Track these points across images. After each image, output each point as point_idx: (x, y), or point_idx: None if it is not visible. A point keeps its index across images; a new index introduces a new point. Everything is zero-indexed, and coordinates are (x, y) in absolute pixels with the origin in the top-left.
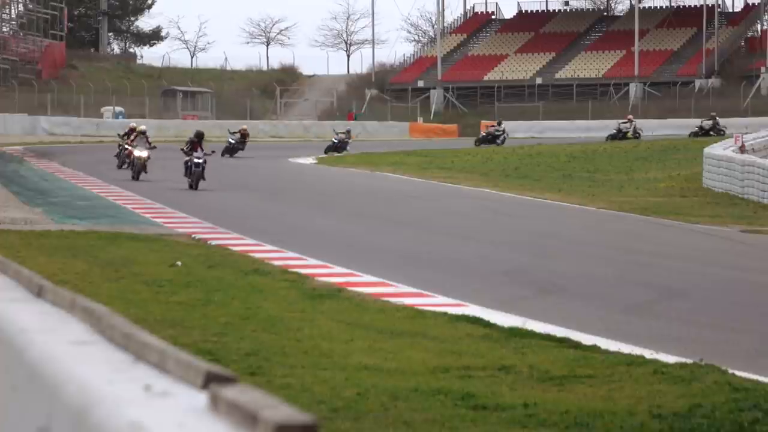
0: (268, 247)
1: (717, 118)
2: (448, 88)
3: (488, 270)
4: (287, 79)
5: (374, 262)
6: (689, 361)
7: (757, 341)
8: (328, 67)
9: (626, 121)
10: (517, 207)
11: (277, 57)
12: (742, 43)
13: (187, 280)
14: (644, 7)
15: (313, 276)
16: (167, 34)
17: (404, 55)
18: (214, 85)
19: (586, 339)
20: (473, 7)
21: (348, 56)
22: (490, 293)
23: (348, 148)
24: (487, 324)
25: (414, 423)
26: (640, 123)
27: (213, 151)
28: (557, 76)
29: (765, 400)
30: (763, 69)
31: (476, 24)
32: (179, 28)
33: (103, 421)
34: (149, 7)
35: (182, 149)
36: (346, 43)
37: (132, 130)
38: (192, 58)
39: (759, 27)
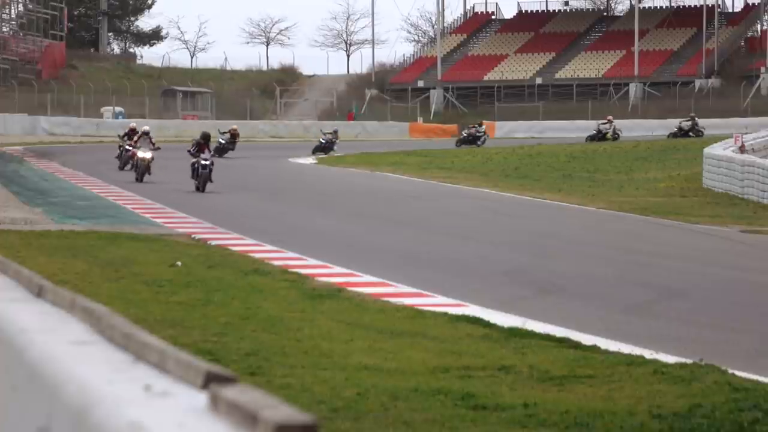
0: (268, 247)
1: (696, 118)
2: (448, 88)
3: (488, 270)
4: (287, 79)
5: (374, 262)
6: (689, 361)
7: (757, 341)
8: (328, 67)
9: (606, 121)
10: (516, 207)
11: (277, 57)
12: (742, 43)
13: (187, 280)
14: (644, 7)
15: (313, 276)
16: (167, 34)
17: (404, 55)
18: (214, 85)
19: (586, 339)
20: (473, 7)
21: (348, 56)
22: (489, 293)
23: (335, 148)
24: (487, 324)
25: (414, 423)
26: (641, 123)
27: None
28: (557, 76)
29: (765, 400)
30: (763, 69)
31: (476, 24)
32: (179, 28)
33: (103, 421)
34: (149, 7)
35: (189, 151)
36: (346, 43)
37: (132, 130)
38: (192, 58)
39: (759, 27)
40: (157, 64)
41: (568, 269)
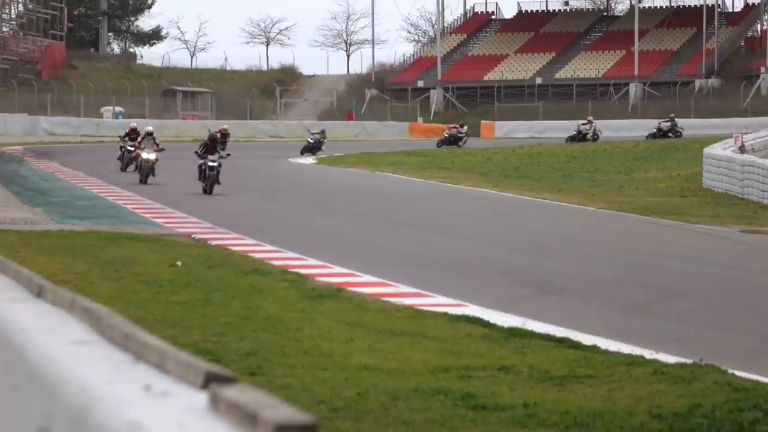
0: (268, 247)
1: (675, 119)
2: (448, 88)
3: (488, 270)
4: (287, 79)
5: (374, 262)
6: (689, 361)
7: (757, 341)
8: (328, 67)
9: (586, 122)
10: (516, 207)
11: (277, 57)
12: (742, 43)
13: (187, 280)
14: (644, 7)
15: (313, 276)
16: (167, 34)
17: (404, 55)
18: (214, 85)
19: (586, 339)
20: (473, 7)
21: (348, 56)
22: (489, 293)
23: (323, 148)
24: (487, 324)
25: (414, 423)
26: (640, 123)
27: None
28: (557, 76)
29: (765, 400)
30: (763, 69)
31: (476, 24)
32: (179, 28)
33: (103, 421)
34: (149, 7)
35: (196, 152)
36: (346, 43)
37: (133, 130)
38: (192, 58)
39: (759, 27)
40: (157, 64)
41: (568, 269)
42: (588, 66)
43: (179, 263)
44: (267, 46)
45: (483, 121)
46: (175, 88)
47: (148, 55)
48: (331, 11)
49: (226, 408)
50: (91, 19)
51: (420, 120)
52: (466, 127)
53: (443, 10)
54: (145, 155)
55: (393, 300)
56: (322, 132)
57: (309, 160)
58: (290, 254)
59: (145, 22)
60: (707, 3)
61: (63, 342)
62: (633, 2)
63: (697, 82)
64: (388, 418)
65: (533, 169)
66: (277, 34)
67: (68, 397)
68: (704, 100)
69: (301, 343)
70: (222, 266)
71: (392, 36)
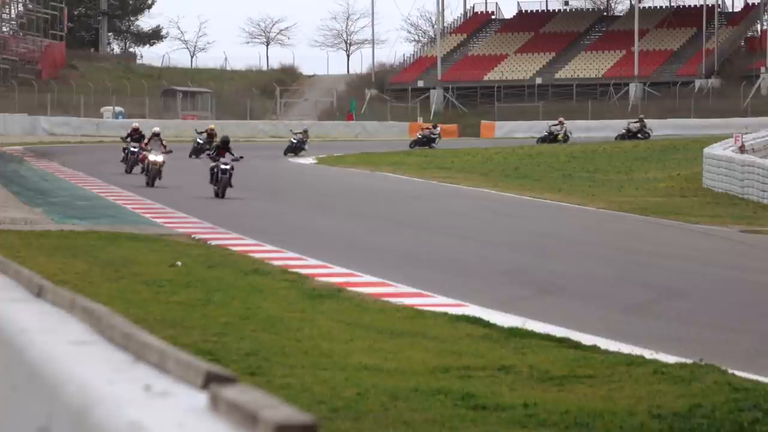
0: (268, 247)
1: (644, 120)
2: (448, 88)
3: (488, 270)
4: (287, 79)
5: (374, 262)
6: (689, 361)
7: (757, 341)
8: (328, 67)
9: (557, 123)
10: (516, 207)
11: (277, 57)
12: (742, 43)
13: (187, 280)
14: (644, 7)
15: (313, 276)
16: (167, 34)
17: (404, 55)
18: (214, 85)
19: (586, 339)
20: (473, 7)
21: (348, 56)
22: (489, 293)
23: (306, 147)
24: (487, 324)
25: (414, 423)
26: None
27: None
28: (557, 76)
29: (765, 400)
30: (763, 69)
31: (476, 24)
32: (179, 28)
33: (103, 421)
34: (149, 7)
35: (208, 154)
36: (346, 43)
37: (135, 130)
38: (192, 58)
39: (759, 27)
40: (157, 64)
41: (568, 269)
42: (588, 66)
43: (179, 263)
44: (267, 46)
45: (483, 121)
46: (175, 88)
47: (148, 55)
48: (331, 11)
49: (226, 408)
50: (91, 19)
51: (420, 120)
52: (439, 128)
53: (443, 10)
54: (152, 157)
55: (393, 300)
56: (305, 132)
57: (309, 160)
58: (290, 254)
59: (145, 22)
60: (707, 3)
61: (63, 342)
62: (633, 2)
63: (697, 82)
64: (388, 418)
65: (533, 169)
66: (277, 34)
67: (68, 397)
68: (704, 100)
69: (301, 343)
70: (222, 266)
71: (392, 36)
